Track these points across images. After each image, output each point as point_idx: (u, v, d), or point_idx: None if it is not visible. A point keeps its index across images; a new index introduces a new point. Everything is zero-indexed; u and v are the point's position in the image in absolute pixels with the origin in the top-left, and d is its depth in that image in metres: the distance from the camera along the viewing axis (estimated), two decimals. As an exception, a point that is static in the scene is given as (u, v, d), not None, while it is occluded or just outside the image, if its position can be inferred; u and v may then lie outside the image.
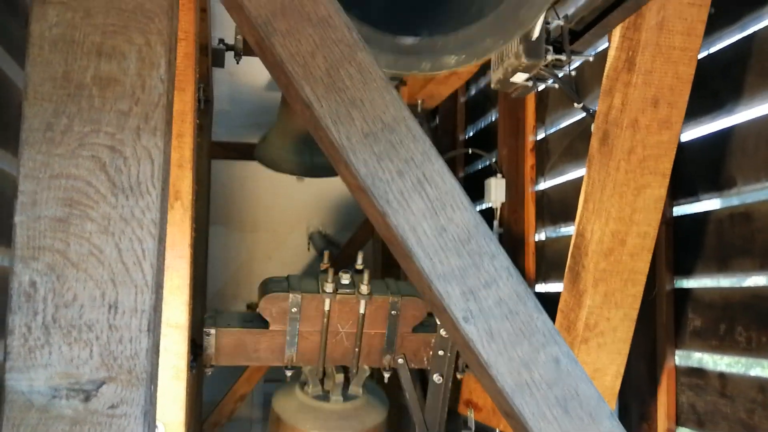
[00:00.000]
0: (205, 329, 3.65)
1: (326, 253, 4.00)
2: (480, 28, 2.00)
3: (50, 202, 1.19)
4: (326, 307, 3.74)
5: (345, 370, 4.09)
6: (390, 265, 5.90)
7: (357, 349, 3.83)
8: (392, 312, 3.83)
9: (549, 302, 4.04)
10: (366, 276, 3.77)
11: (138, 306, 1.19)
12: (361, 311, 3.78)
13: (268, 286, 3.83)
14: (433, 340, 3.92)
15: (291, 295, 3.72)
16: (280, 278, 3.93)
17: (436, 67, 2.04)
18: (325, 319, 3.75)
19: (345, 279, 3.78)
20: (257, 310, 3.78)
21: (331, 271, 3.73)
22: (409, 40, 1.98)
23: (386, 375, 3.96)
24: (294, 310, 3.71)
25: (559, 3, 3.90)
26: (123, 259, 1.20)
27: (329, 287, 3.72)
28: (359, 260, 3.91)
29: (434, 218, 1.30)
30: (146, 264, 1.20)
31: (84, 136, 1.22)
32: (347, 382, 4.12)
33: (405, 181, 1.30)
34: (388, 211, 1.29)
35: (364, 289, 3.76)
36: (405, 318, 3.86)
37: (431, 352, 3.92)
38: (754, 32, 2.69)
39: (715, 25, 2.80)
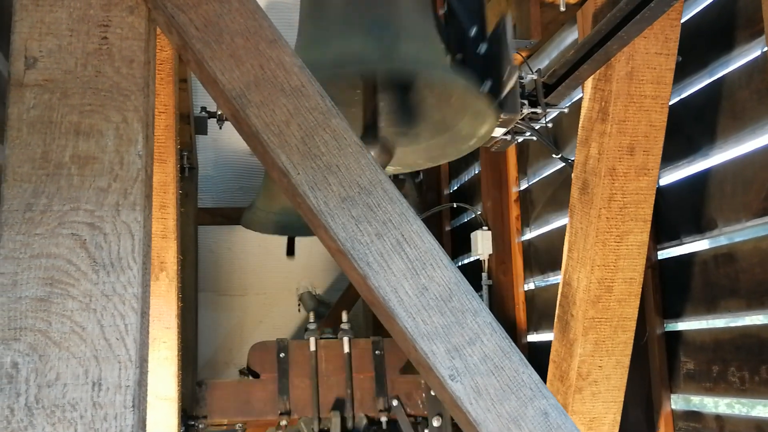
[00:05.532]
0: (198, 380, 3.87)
1: (311, 313, 4.35)
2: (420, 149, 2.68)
3: (31, 282, 1.19)
4: (312, 347, 4.01)
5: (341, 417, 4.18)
6: (379, 324, 5.88)
7: (350, 391, 4.00)
8: (376, 352, 4.09)
9: (542, 352, 4.04)
10: (344, 315, 4.10)
11: (122, 382, 1.18)
12: (346, 350, 4.03)
13: (255, 345, 4.14)
14: (423, 382, 4.04)
15: (278, 342, 4.03)
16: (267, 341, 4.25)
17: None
18: (313, 361, 3.98)
19: (328, 333, 4.16)
20: (247, 363, 4.06)
21: (318, 332, 4.06)
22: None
23: (383, 421, 4.03)
24: (282, 355, 3.97)
25: (532, 57, 3.99)
26: (105, 335, 1.20)
27: (314, 335, 4.05)
28: (344, 318, 4.17)
29: (415, 278, 1.31)
30: (129, 339, 1.20)
31: (64, 214, 1.23)
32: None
33: (384, 243, 1.31)
34: (369, 273, 1.29)
35: (345, 326, 4.07)
36: (390, 359, 4.09)
37: (424, 394, 4.05)
38: (723, 76, 2.75)
39: (684, 71, 2.87)
